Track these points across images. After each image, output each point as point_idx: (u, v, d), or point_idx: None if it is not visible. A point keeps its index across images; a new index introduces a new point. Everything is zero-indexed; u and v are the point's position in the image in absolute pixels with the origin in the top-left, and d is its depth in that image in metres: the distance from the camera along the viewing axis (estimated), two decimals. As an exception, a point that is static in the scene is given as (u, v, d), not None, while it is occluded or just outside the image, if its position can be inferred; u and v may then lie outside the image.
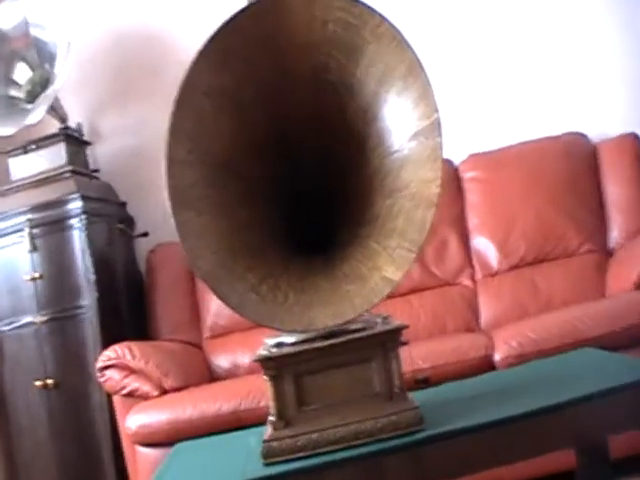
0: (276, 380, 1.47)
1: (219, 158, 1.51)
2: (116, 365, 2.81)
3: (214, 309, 3.30)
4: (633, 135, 3.23)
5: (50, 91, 3.19)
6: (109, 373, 2.81)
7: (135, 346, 2.88)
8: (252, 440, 1.69)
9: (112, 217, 3.37)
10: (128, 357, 2.81)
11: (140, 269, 3.56)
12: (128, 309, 3.33)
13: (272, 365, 1.47)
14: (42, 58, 3.34)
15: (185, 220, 1.46)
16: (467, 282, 3.18)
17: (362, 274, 1.45)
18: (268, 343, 1.54)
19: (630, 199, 3.13)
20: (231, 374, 3.17)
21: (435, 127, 1.43)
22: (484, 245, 3.18)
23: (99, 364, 2.82)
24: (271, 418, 1.48)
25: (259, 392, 2.55)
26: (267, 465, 1.45)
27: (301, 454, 1.44)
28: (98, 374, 2.82)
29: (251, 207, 1.55)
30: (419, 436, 1.43)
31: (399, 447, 1.42)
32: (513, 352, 2.48)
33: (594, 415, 1.48)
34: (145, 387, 2.79)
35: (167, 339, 3.25)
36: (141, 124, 3.62)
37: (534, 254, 3.13)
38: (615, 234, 3.13)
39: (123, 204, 3.55)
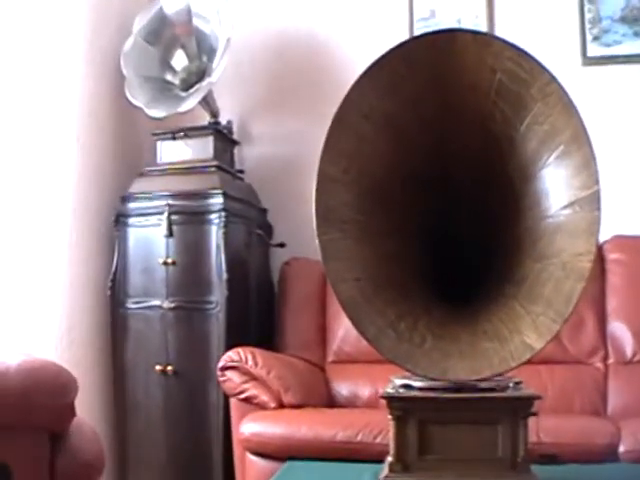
0: (400, 422, 1.57)
1: (374, 183, 1.62)
2: (238, 368, 2.97)
3: (341, 334, 3.44)
4: None
5: (205, 83, 3.38)
6: (229, 374, 2.97)
7: (259, 353, 3.04)
8: (366, 477, 1.79)
9: (251, 221, 3.54)
10: (250, 363, 2.97)
11: (272, 279, 3.73)
12: (256, 315, 3.50)
13: (398, 406, 1.57)
14: (201, 50, 3.55)
15: (329, 239, 1.58)
16: (599, 364, 3.22)
17: (503, 335, 1.53)
18: (396, 382, 1.64)
19: None
20: (350, 403, 3.29)
21: (595, 199, 1.50)
22: (620, 331, 3.22)
23: (221, 363, 2.99)
24: (389, 459, 1.57)
25: (377, 427, 2.64)
26: (380, 506, 1.54)
27: (415, 503, 1.53)
28: (218, 373, 2.98)
29: (398, 240, 1.66)
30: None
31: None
32: (639, 447, 2.50)
33: None
34: (264, 397, 2.94)
35: (291, 354, 3.40)
36: (294, 134, 3.79)
37: None
38: None
39: (264, 210, 3.74)
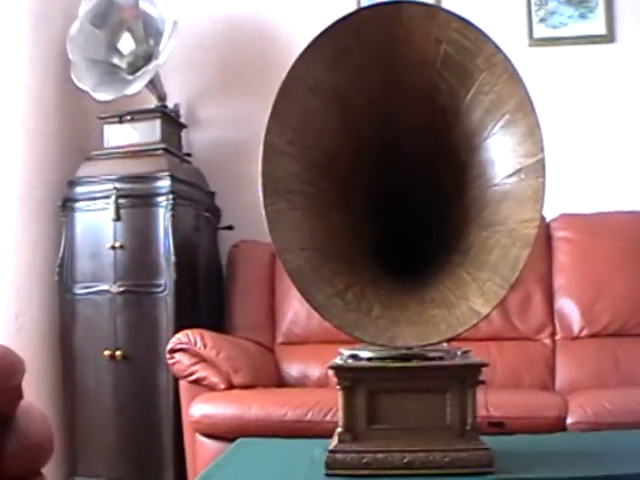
0: (349, 392, 1.56)
1: (321, 155, 1.60)
2: (186, 350, 2.95)
3: (291, 315, 3.45)
4: None
5: (152, 66, 3.36)
6: (178, 356, 2.95)
7: (207, 335, 3.03)
8: (317, 451, 1.77)
9: (199, 204, 3.53)
10: (199, 344, 2.95)
11: (221, 261, 3.72)
12: (205, 298, 3.49)
13: (347, 376, 1.56)
14: (148, 33, 3.53)
15: (276, 209, 1.55)
16: (546, 340, 3.29)
17: (449, 301, 1.53)
18: (344, 353, 1.63)
19: None
20: (300, 384, 3.30)
21: (540, 167, 1.51)
22: (568, 307, 3.29)
23: (170, 345, 2.97)
24: (339, 429, 1.56)
25: (327, 405, 2.66)
26: (329, 476, 1.53)
27: (365, 472, 1.52)
28: (167, 355, 2.96)
29: (346, 213, 1.64)
30: (490, 478, 1.50)
31: (468, 484, 1.49)
32: (586, 419, 2.55)
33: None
34: (213, 378, 2.93)
35: (240, 336, 3.38)
36: (242, 117, 3.77)
37: (618, 326, 3.21)
38: None
39: (212, 193, 3.72)
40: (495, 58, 1.52)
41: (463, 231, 1.58)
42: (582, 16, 3.54)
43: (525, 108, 1.50)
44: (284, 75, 1.59)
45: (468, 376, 1.55)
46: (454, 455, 1.53)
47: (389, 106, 1.61)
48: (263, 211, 1.52)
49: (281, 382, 3.30)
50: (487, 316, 1.47)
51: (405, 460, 1.53)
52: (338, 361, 1.57)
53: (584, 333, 3.23)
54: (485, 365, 1.55)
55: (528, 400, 2.70)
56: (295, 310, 3.40)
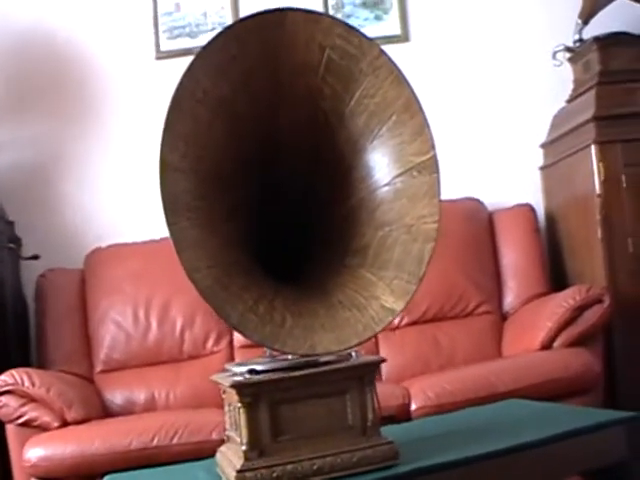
0: (251, 408, 1.55)
1: (211, 168, 1.58)
2: (13, 392, 2.76)
3: (108, 341, 3.32)
4: (529, 206, 3.58)
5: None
6: (5, 399, 2.76)
7: (34, 373, 2.85)
8: (200, 474, 1.74)
9: (1, 235, 3.32)
10: (27, 384, 2.78)
11: (24, 295, 3.52)
12: (14, 336, 3.29)
13: (249, 392, 1.54)
14: None
15: (178, 229, 1.51)
16: (368, 334, 3.32)
17: (359, 303, 1.55)
18: (237, 369, 1.60)
19: (524, 268, 3.46)
20: (126, 411, 3.17)
21: (432, 164, 1.57)
22: None
23: (-6, 390, 2.77)
24: (243, 448, 1.54)
25: (172, 428, 2.61)
26: (240, 498, 1.50)
27: (277, 486, 1.52)
28: (-8, 400, 2.76)
29: (237, 224, 1.63)
30: (398, 470, 1.54)
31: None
32: (430, 402, 2.66)
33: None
34: (46, 417, 2.77)
35: (57, 370, 3.20)
36: (34, 140, 3.56)
37: (435, 311, 3.36)
38: (510, 299, 3.44)
39: (11, 223, 3.50)
40: (379, 61, 1.56)
41: (355, 232, 1.61)
42: (377, 18, 3.67)
43: (412, 108, 1.56)
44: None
45: (366, 374, 1.59)
46: (360, 454, 1.57)
47: (273, 113, 1.62)
48: (168, 231, 1.46)
49: (106, 413, 3.15)
50: (402, 311, 1.50)
51: (315, 467, 1.55)
52: (238, 378, 1.55)
53: (404, 322, 3.34)
54: (383, 361, 1.59)
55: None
56: (112, 335, 3.29)
